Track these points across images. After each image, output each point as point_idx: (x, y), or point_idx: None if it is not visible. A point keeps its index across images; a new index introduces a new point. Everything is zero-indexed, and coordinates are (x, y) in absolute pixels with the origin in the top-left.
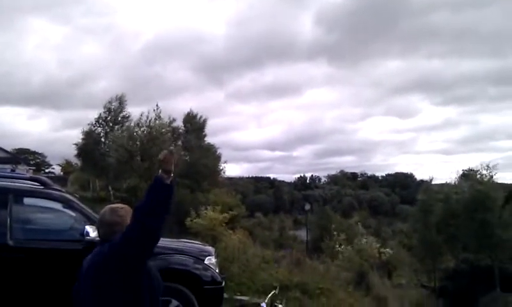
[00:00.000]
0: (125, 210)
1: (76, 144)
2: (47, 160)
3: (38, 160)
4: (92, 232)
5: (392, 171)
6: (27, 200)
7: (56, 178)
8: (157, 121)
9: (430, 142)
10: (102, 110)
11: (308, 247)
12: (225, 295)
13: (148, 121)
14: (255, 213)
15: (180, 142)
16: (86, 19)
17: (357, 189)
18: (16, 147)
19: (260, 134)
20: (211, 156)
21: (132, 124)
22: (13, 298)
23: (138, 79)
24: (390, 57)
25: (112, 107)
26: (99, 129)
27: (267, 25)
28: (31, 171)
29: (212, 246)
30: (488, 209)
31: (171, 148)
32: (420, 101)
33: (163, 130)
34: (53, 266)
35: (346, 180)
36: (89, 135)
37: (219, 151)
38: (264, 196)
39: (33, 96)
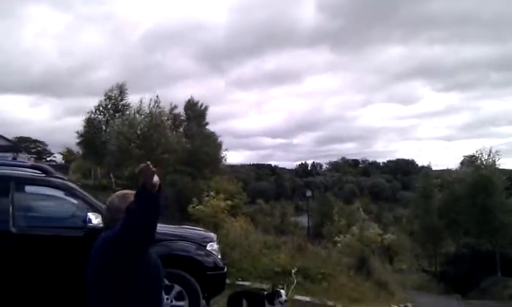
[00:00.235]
0: (129, 196)
1: (78, 132)
2: (48, 148)
3: (39, 149)
4: (94, 219)
5: (393, 158)
6: (28, 188)
7: (58, 166)
8: (158, 110)
9: (431, 129)
10: (102, 98)
11: (310, 233)
12: (227, 281)
13: (148, 109)
14: (256, 200)
15: (181, 130)
16: (86, 7)
17: (358, 176)
18: (17, 135)
19: (261, 121)
20: (212, 144)
21: (133, 111)
22: (16, 285)
23: (139, 67)
24: (392, 44)
25: (113, 95)
26: (100, 117)
27: (269, 12)
28: (32, 159)
29: (214, 232)
30: (489, 194)
31: (148, 162)
32: (422, 87)
33: (164, 118)
34: (56, 253)
35: (347, 166)
36: (90, 123)
37: (220, 138)
38: (265, 183)
39: (34, 84)
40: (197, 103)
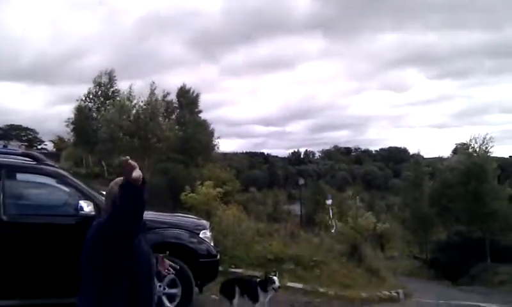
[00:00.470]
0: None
1: (68, 120)
2: (39, 136)
3: (30, 137)
4: (86, 207)
5: (385, 146)
6: (20, 176)
7: (49, 154)
8: (153, 97)
9: (424, 116)
10: (92, 85)
11: (302, 220)
12: (220, 268)
13: (142, 96)
14: (249, 188)
15: (173, 117)
16: None
17: (351, 164)
18: (8, 123)
19: (253, 109)
20: (204, 131)
21: (124, 98)
22: (7, 273)
23: (131, 54)
24: (385, 31)
25: (102, 81)
26: (90, 104)
27: None
28: (23, 147)
29: (207, 220)
30: (481, 181)
31: (127, 157)
32: (415, 75)
33: (158, 107)
34: (47, 241)
35: (340, 154)
36: (80, 111)
37: (212, 126)
38: (258, 171)
39: (24, 71)
40: (189, 90)
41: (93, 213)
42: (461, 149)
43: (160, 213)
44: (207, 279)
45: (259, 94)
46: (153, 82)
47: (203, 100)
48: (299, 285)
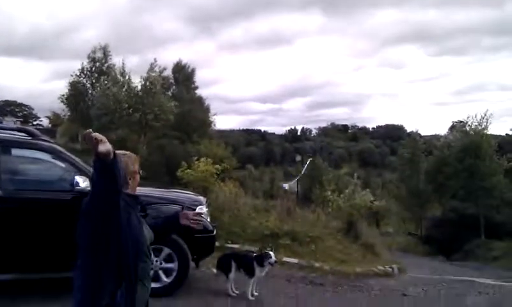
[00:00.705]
0: (127, 157)
1: (63, 96)
2: (34, 112)
3: (25, 112)
4: (82, 182)
5: (383, 123)
6: (15, 151)
7: (44, 130)
8: (153, 74)
9: (422, 94)
10: (86, 60)
11: (299, 197)
12: (217, 244)
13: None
14: (246, 166)
15: (170, 93)
16: None
17: (348, 141)
18: (3, 99)
19: (251, 86)
20: (200, 108)
21: (118, 72)
22: (3, 247)
23: (127, 29)
24: (384, 7)
25: (96, 57)
26: (84, 80)
27: None
28: (19, 123)
29: (204, 196)
30: (477, 158)
31: (89, 130)
32: (414, 52)
33: (156, 83)
34: (43, 216)
35: (337, 132)
36: (74, 87)
37: (208, 103)
38: (254, 149)
39: (19, 47)
40: (185, 65)
41: (89, 188)
42: (458, 127)
43: (157, 189)
44: (203, 254)
45: (256, 71)
46: (155, 59)
47: (200, 77)
48: (295, 260)
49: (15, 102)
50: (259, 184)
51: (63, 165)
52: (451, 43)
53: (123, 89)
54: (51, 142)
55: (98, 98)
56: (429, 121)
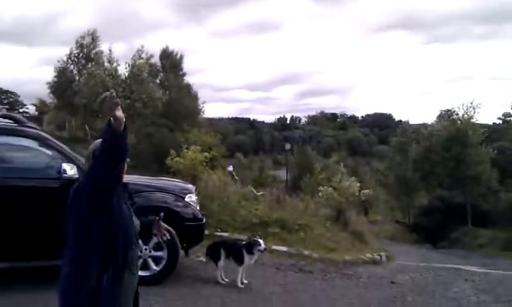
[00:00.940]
0: None
1: (49, 83)
2: (20, 99)
3: (11, 100)
4: (69, 170)
5: (371, 111)
6: (0, 138)
7: (31, 118)
8: (139, 61)
9: (411, 82)
10: (74, 46)
11: (288, 185)
12: (206, 232)
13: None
14: (235, 154)
15: (157, 80)
16: None
17: (337, 130)
18: None
19: (240, 74)
20: (188, 96)
21: (105, 59)
22: None
23: (114, 15)
24: None
25: (85, 42)
26: (72, 67)
27: None
28: (4, 110)
29: (193, 184)
30: (463, 146)
31: (112, 91)
32: (403, 40)
33: (144, 70)
34: (30, 204)
35: (326, 120)
36: (62, 73)
37: (196, 90)
38: (244, 137)
39: (4, 32)
40: (172, 52)
41: (76, 176)
42: (445, 116)
43: (146, 177)
44: (192, 242)
45: (245, 59)
46: (142, 46)
47: (188, 65)
48: (284, 248)
49: (1, 89)
50: (248, 172)
51: (49, 152)
52: (440, 31)
53: (110, 77)
54: (38, 129)
55: (85, 83)
56: (418, 109)
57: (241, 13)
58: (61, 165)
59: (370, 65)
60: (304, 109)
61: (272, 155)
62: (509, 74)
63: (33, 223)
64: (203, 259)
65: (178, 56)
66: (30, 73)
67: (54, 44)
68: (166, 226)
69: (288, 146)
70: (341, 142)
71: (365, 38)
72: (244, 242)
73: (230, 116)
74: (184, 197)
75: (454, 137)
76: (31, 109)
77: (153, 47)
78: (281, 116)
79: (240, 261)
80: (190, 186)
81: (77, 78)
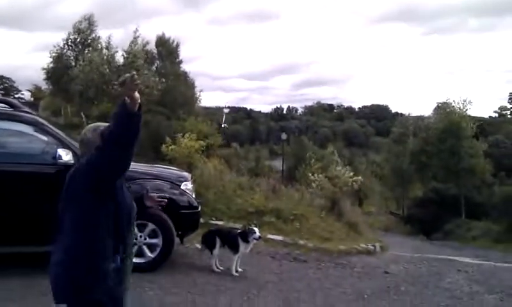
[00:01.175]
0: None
1: (45, 69)
2: (15, 85)
3: (6, 85)
4: (65, 156)
5: (368, 103)
6: None
7: (26, 104)
8: (135, 47)
9: (409, 73)
10: (71, 31)
11: (284, 175)
12: (201, 220)
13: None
14: (231, 143)
15: (153, 68)
16: None
17: (333, 120)
18: None
19: (237, 63)
20: (185, 83)
21: (104, 46)
22: None
23: (111, 1)
24: None
25: (82, 27)
26: (69, 52)
27: None
28: None
29: (189, 172)
30: (458, 139)
31: (133, 72)
32: (401, 31)
33: (139, 57)
34: (25, 189)
35: (323, 111)
36: (58, 59)
37: (193, 78)
38: (240, 127)
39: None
40: (168, 39)
41: (72, 161)
42: (441, 108)
43: (142, 164)
44: (188, 230)
45: (243, 48)
46: (137, 29)
47: (185, 52)
48: (279, 237)
49: None
50: (245, 162)
51: (45, 138)
52: (438, 23)
53: (106, 64)
54: (33, 114)
55: (81, 70)
56: (415, 101)
57: (240, 1)
58: (56, 151)
59: (368, 56)
60: (301, 99)
61: (268, 145)
62: (507, 67)
63: (28, 209)
64: (198, 247)
65: (174, 43)
66: (25, 58)
67: (50, 29)
68: (157, 195)
69: (284, 136)
70: (337, 133)
71: (363, 29)
72: (239, 231)
73: (227, 105)
74: (180, 185)
75: (448, 129)
76: (26, 95)
77: (151, 34)
78: (278, 106)
79: (235, 249)
80: (186, 174)
81: (73, 64)
